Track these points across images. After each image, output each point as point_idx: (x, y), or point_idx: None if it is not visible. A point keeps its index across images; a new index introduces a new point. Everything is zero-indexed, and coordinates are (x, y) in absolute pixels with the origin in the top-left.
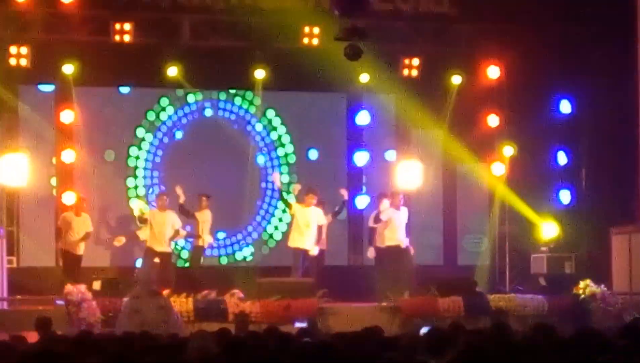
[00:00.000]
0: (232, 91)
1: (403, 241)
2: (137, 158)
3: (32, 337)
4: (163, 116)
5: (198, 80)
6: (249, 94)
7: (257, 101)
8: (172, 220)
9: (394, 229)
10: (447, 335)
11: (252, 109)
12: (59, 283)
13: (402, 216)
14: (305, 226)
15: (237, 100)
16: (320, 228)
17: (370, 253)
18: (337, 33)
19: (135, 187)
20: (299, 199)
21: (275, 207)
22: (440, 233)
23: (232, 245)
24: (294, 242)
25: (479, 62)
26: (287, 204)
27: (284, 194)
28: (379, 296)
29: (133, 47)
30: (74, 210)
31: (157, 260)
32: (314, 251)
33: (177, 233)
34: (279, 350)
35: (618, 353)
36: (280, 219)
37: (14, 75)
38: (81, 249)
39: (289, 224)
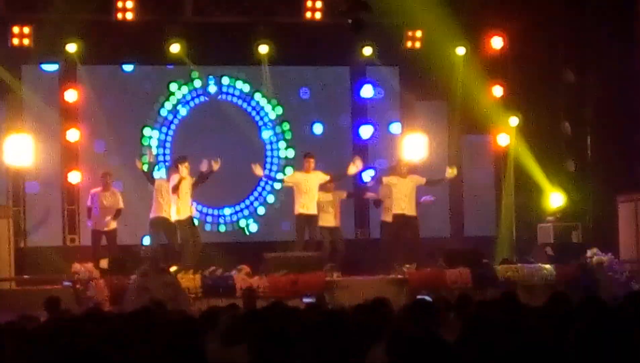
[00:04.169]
0: (236, 67)
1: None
2: (144, 136)
3: (41, 316)
4: (166, 93)
5: (201, 56)
6: (252, 69)
7: (261, 76)
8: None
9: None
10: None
11: (256, 84)
12: (67, 263)
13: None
14: (308, 191)
15: (241, 75)
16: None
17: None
18: (340, 7)
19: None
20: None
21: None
22: (447, 204)
23: (238, 220)
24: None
25: (483, 32)
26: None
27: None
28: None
29: (136, 24)
30: (102, 186)
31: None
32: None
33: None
34: (288, 324)
35: (626, 322)
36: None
37: (16, 55)
38: (112, 226)
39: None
